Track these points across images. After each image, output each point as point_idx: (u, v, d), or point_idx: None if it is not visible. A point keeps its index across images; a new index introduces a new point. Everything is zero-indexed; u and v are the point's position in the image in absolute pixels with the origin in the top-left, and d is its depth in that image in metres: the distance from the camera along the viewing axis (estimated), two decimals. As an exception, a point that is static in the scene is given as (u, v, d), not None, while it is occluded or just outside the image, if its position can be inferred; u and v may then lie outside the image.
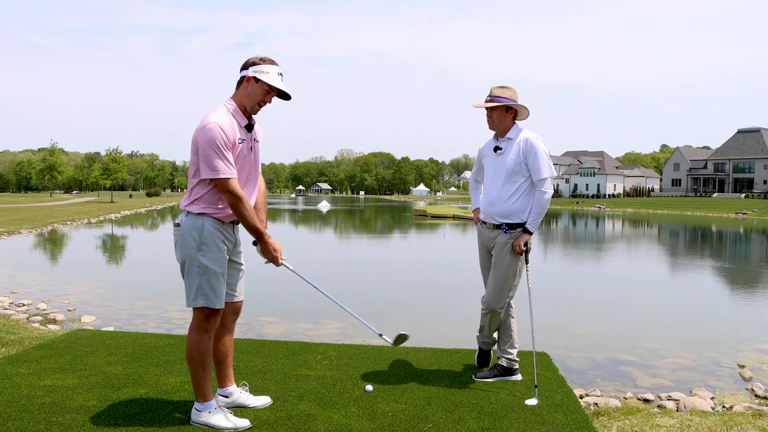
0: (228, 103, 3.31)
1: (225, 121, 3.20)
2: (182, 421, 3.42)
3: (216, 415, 3.33)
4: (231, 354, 3.61)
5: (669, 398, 5.41)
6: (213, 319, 3.32)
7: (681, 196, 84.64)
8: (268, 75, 3.25)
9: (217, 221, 3.30)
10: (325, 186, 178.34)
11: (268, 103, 3.34)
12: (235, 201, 3.19)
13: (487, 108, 4.33)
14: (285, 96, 3.39)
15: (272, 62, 3.31)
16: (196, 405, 3.37)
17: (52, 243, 21.02)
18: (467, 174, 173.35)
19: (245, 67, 3.31)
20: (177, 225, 3.32)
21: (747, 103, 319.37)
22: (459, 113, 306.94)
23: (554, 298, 10.87)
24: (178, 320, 8.53)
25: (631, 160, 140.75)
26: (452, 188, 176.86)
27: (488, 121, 4.38)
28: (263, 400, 3.75)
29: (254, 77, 3.25)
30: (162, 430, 3.30)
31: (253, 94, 3.27)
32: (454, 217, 42.16)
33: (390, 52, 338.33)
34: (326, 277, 13.66)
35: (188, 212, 3.28)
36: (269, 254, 3.42)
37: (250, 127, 3.34)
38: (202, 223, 3.26)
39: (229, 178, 3.16)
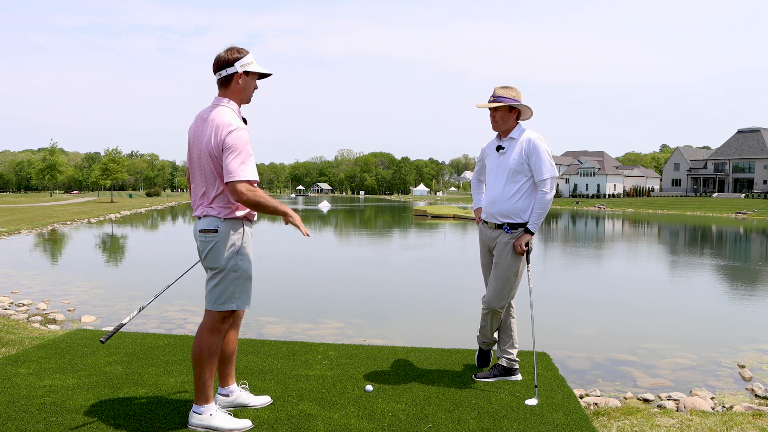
0: (228, 103, 3.33)
1: (242, 124, 3.28)
2: (182, 422, 3.42)
3: (218, 417, 3.31)
4: (235, 353, 3.63)
5: (669, 398, 5.42)
6: (228, 321, 3.36)
7: (681, 196, 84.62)
8: (253, 65, 3.36)
9: (251, 223, 3.43)
10: (325, 186, 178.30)
11: (256, 89, 3.47)
12: (256, 198, 3.19)
13: (490, 108, 4.34)
14: (265, 75, 3.49)
15: (246, 50, 3.37)
16: (196, 408, 3.32)
17: (52, 243, 21.02)
18: (467, 174, 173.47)
19: (227, 64, 3.31)
20: (212, 231, 3.27)
21: (747, 103, 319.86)
22: (459, 113, 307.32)
23: (554, 298, 10.88)
24: (178, 320, 8.53)
25: (631, 160, 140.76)
26: (452, 188, 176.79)
27: (491, 122, 4.38)
28: (263, 400, 3.75)
29: (244, 72, 3.33)
30: (162, 430, 3.30)
31: (248, 87, 3.39)
32: (454, 217, 42.16)
33: (390, 52, 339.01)
34: (327, 276, 13.66)
35: (225, 218, 3.28)
36: (298, 221, 3.37)
37: (245, 122, 3.41)
38: (242, 227, 3.34)
39: (256, 181, 3.25)
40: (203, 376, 3.29)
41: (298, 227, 3.33)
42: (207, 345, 3.29)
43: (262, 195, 3.22)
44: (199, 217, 3.35)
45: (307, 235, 3.36)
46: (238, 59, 3.31)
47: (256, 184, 3.25)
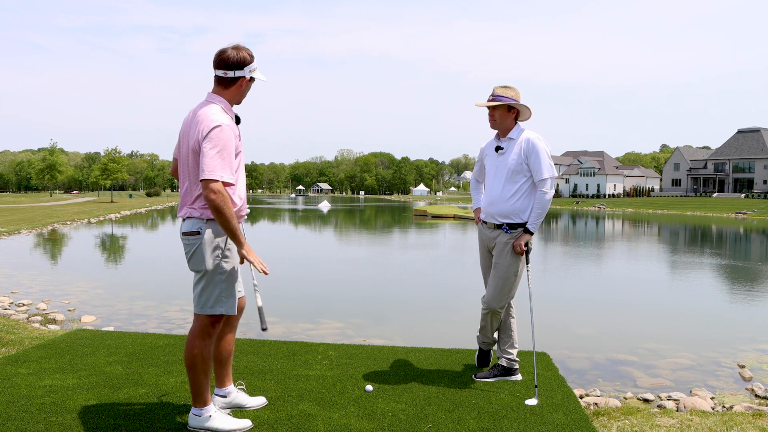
0: (219, 101, 3.27)
1: (228, 121, 3.19)
2: (182, 422, 3.42)
3: (218, 418, 3.30)
4: (232, 354, 3.61)
5: (669, 398, 5.42)
6: (218, 325, 3.31)
7: (681, 196, 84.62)
8: (258, 72, 3.36)
9: (239, 223, 3.30)
10: (325, 186, 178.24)
11: None
12: (222, 205, 3.05)
13: (489, 107, 4.34)
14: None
15: (252, 54, 3.33)
16: (194, 410, 3.30)
17: (52, 243, 21.02)
18: (467, 174, 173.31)
19: (237, 66, 3.25)
20: (194, 233, 3.18)
21: (747, 103, 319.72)
22: (459, 113, 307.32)
23: (554, 298, 10.87)
24: (178, 320, 8.53)
25: (631, 160, 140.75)
26: (452, 188, 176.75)
27: (490, 121, 4.38)
28: (259, 401, 3.74)
29: (250, 77, 3.32)
30: (162, 430, 3.30)
31: (246, 91, 3.39)
32: (454, 217, 42.17)
33: (390, 52, 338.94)
34: (327, 276, 13.66)
35: (208, 219, 3.17)
36: (254, 258, 3.23)
37: (238, 120, 3.38)
38: None
39: (231, 184, 3.15)
40: (198, 380, 3.26)
41: (252, 264, 3.19)
42: (199, 350, 3.24)
43: (230, 208, 3.06)
44: (183, 219, 3.25)
45: (266, 273, 3.16)
46: (249, 63, 3.27)
47: (229, 188, 3.13)
